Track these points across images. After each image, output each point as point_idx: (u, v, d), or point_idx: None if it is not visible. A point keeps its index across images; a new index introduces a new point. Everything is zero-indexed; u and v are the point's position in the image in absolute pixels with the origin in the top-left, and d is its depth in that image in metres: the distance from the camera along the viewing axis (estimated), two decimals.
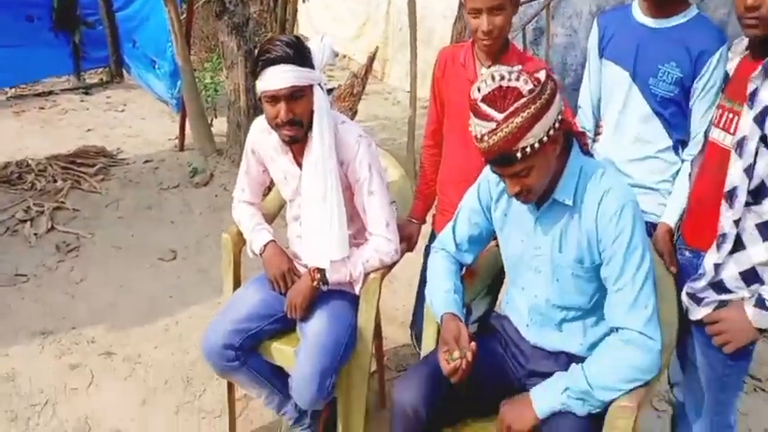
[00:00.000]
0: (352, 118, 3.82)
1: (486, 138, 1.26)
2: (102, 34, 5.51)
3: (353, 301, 1.82)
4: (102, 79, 5.64)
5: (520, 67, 1.30)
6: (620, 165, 1.74)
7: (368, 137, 1.77)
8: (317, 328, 1.74)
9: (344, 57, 6.33)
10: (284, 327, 1.85)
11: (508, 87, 1.25)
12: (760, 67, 1.34)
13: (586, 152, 1.45)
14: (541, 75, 1.28)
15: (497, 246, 1.65)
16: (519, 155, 1.26)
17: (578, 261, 1.41)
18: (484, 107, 1.26)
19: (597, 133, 1.85)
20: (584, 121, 1.87)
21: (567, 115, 1.40)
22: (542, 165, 1.31)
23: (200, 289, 2.81)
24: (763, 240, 1.36)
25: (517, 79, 1.25)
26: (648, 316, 1.34)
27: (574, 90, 1.94)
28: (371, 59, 3.86)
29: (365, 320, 1.82)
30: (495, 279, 1.84)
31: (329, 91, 4.03)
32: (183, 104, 4.03)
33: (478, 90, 1.28)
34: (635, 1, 1.72)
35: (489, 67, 1.69)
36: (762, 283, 1.38)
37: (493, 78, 1.27)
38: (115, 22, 5.46)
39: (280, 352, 1.83)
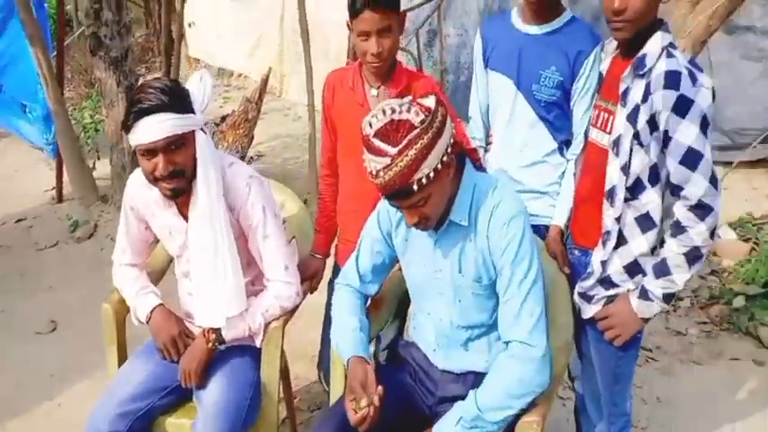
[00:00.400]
0: (249, 144, 3.70)
1: (381, 173, 1.26)
2: None
3: (254, 354, 1.72)
4: None
5: (410, 98, 1.33)
6: (510, 172, 1.80)
7: (259, 176, 1.70)
8: (215, 394, 1.62)
9: (240, 75, 6.18)
10: (179, 397, 1.71)
11: (400, 120, 1.26)
12: (629, 67, 1.41)
13: (479, 167, 1.47)
14: (431, 102, 1.30)
15: (399, 270, 1.65)
16: (415, 187, 1.27)
17: (477, 280, 1.43)
18: (377, 142, 1.27)
19: (489, 142, 1.89)
20: (475, 131, 1.92)
21: (458, 131, 1.42)
22: (438, 191, 1.33)
23: (88, 360, 2.55)
24: (642, 233, 1.45)
25: (408, 111, 1.27)
26: (533, 324, 1.38)
27: (467, 88, 1.98)
28: (264, 82, 3.76)
29: (269, 375, 1.72)
30: (402, 303, 1.81)
31: (223, 118, 3.88)
32: (60, 151, 3.73)
33: (370, 125, 1.28)
34: (514, 9, 1.77)
35: (378, 88, 1.72)
36: (644, 274, 1.46)
37: (384, 113, 1.28)
38: None
39: (175, 427, 1.69)
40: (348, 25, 1.66)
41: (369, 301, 1.66)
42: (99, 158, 4.07)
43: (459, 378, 1.53)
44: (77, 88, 5.72)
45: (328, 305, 1.98)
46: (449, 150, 1.30)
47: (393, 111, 1.27)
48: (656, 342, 2.63)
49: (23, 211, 3.75)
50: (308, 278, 1.87)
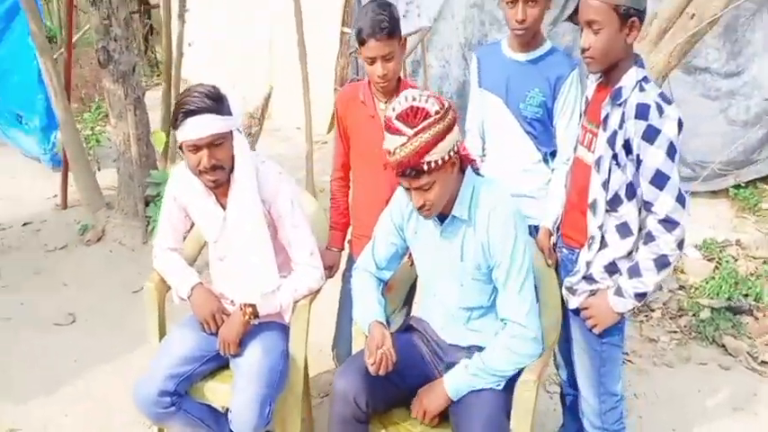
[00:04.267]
0: None
1: (397, 150, 1.54)
2: None
3: (283, 329, 2.01)
4: None
5: (429, 91, 1.63)
6: (502, 178, 2.08)
7: (287, 174, 2.01)
8: (251, 359, 1.90)
9: None
10: (217, 365, 2.00)
11: (418, 108, 1.55)
12: (608, 97, 1.67)
13: (477, 173, 1.79)
14: (446, 101, 1.61)
15: (410, 264, 1.97)
16: (425, 167, 1.54)
17: (477, 267, 1.73)
18: (397, 123, 1.55)
19: (485, 153, 2.24)
20: (471, 143, 2.25)
21: (462, 146, 1.73)
22: (443, 181, 1.61)
23: (108, 349, 2.79)
24: (621, 239, 1.70)
25: (426, 101, 1.56)
26: (528, 309, 1.71)
27: None
28: (267, 99, 4.09)
29: (297, 347, 2.01)
30: (409, 293, 2.14)
31: None
32: (65, 159, 3.98)
33: (393, 109, 1.58)
34: (504, 39, 2.15)
35: (386, 102, 2.04)
36: (621, 273, 1.70)
37: (406, 99, 1.57)
38: None
39: (213, 391, 1.97)
40: (343, 39, 2.01)
41: (383, 287, 1.95)
42: (99, 169, 4.30)
43: (464, 349, 1.82)
44: (72, 101, 5.95)
45: (343, 293, 2.28)
46: (455, 148, 1.58)
47: (414, 99, 1.56)
48: (632, 347, 2.97)
49: (28, 215, 3.95)
50: (327, 268, 2.17)
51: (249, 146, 1.95)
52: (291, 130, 5.78)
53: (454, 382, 1.72)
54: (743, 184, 4.41)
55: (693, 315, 3.22)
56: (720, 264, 3.60)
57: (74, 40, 5.03)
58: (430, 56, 4.58)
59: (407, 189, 1.64)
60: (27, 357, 2.76)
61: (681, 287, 3.45)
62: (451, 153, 1.60)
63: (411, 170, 1.56)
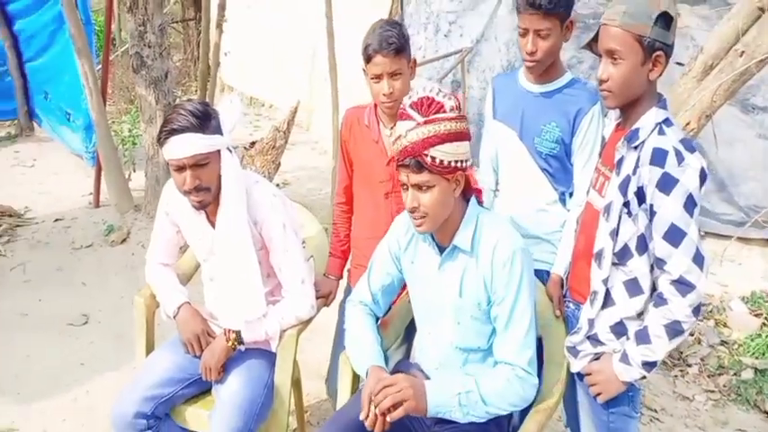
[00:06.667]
0: (276, 170, 3.95)
1: (403, 135, 1.47)
2: (11, 85, 5.42)
3: (270, 358, 1.91)
4: (9, 133, 5.51)
5: (447, 90, 1.55)
6: (515, 217, 1.95)
7: (282, 195, 1.91)
8: (232, 389, 1.81)
9: (271, 106, 6.47)
10: (199, 389, 1.91)
11: (434, 100, 1.48)
12: (623, 138, 1.50)
13: (480, 204, 1.65)
14: (462, 107, 1.53)
15: (409, 300, 1.80)
16: (429, 160, 1.45)
17: (476, 304, 1.59)
18: (409, 111, 1.49)
19: (497, 189, 2.06)
20: (484, 175, 2.08)
21: (471, 174, 1.61)
22: (442, 193, 1.49)
23: (115, 355, 2.78)
24: (630, 297, 1.51)
25: (443, 97, 1.50)
26: (531, 355, 1.56)
27: None
28: (293, 113, 4.02)
29: (282, 378, 1.90)
30: (409, 328, 1.98)
31: (252, 144, 4.15)
32: (99, 159, 4.02)
33: (410, 97, 1.51)
34: (521, 68, 1.97)
35: (392, 128, 1.89)
36: (629, 337, 1.51)
37: (423, 89, 1.51)
38: (25, 72, 5.40)
39: (194, 416, 1.88)
40: (363, 70, 1.87)
41: (378, 321, 1.81)
42: (135, 170, 4.33)
43: None
44: (117, 103, 6.09)
45: (339, 325, 2.14)
46: (463, 164, 1.48)
47: (431, 90, 1.50)
48: (662, 404, 2.67)
49: (62, 212, 4.05)
50: (323, 296, 2.07)
51: (240, 164, 1.85)
52: (330, 142, 5.68)
53: (439, 400, 1.51)
54: None
55: (735, 374, 2.88)
56: None
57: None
58: (470, 77, 4.42)
59: (404, 187, 1.53)
60: (36, 356, 2.79)
61: (723, 342, 3.11)
62: (458, 164, 1.49)
63: (413, 160, 1.46)
